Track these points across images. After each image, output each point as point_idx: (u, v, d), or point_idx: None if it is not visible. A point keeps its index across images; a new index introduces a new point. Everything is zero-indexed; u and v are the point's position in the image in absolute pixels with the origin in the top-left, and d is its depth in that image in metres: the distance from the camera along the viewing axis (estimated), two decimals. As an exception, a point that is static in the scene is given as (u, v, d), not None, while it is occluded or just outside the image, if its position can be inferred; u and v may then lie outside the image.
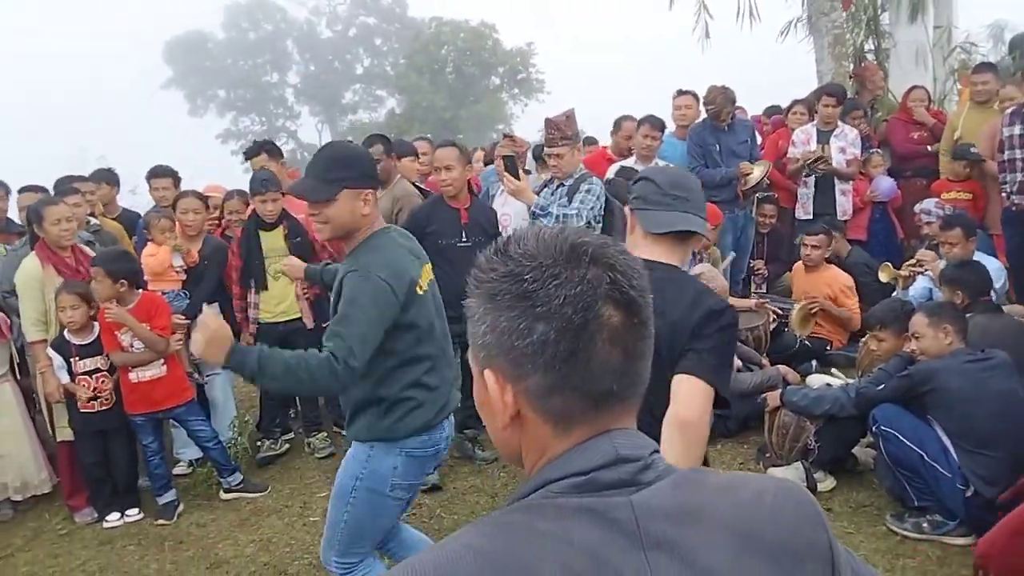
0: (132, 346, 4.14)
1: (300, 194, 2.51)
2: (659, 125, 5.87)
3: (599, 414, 0.84)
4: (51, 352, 4.12)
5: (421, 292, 2.48)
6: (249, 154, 5.28)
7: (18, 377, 4.41)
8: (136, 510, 4.24)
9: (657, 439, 1.87)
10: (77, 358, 4.11)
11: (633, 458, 0.82)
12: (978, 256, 5.01)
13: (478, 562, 0.76)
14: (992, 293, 4.48)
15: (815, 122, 6.55)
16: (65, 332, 4.14)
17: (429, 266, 2.62)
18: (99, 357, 4.15)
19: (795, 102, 7.18)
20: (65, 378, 4.11)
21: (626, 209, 2.24)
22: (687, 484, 0.84)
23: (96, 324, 4.18)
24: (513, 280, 0.81)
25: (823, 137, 6.44)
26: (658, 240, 2.10)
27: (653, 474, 0.83)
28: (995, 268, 4.98)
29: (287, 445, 5.02)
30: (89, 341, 4.15)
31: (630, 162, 5.87)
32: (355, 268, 2.38)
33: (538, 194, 4.59)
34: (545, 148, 4.65)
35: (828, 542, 0.86)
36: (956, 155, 6.11)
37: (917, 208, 5.95)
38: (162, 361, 4.20)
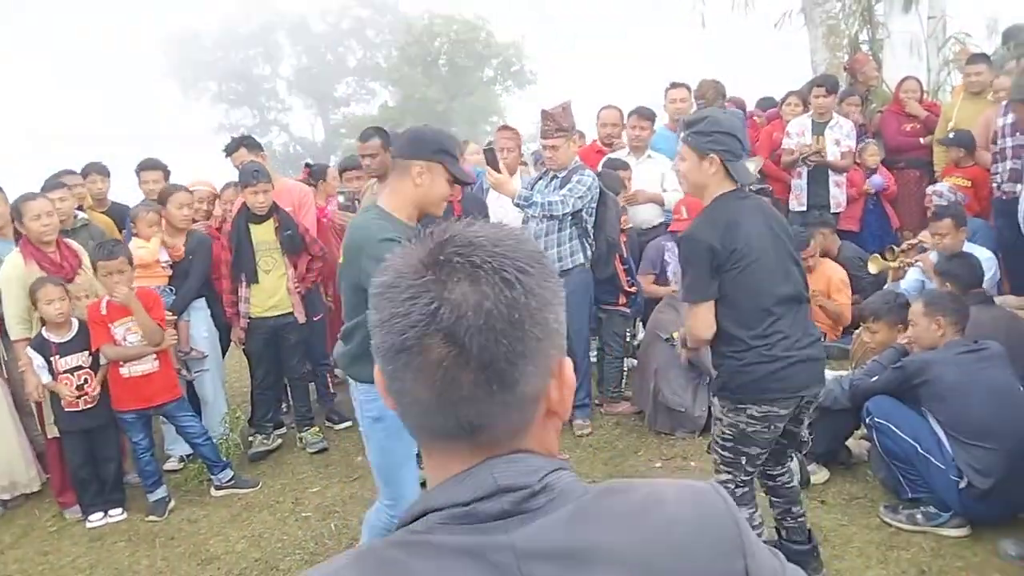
0: (125, 340, 4.09)
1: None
2: (647, 115, 5.84)
3: (455, 445, 0.78)
4: (30, 352, 4.06)
5: None
6: (228, 151, 5.23)
7: (6, 375, 4.37)
8: (119, 510, 4.20)
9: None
10: (58, 356, 4.06)
11: (516, 487, 0.75)
12: (970, 247, 5.01)
13: None
14: (985, 284, 4.47)
15: (810, 113, 6.53)
16: (44, 331, 4.09)
17: None
18: (81, 354, 4.10)
19: (789, 93, 7.16)
20: (46, 378, 4.06)
21: (714, 156, 2.67)
22: (586, 514, 0.76)
23: (75, 321, 4.13)
24: (375, 295, 0.78)
25: (818, 128, 6.42)
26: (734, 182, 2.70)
27: (545, 499, 0.75)
28: (986, 259, 4.97)
29: (279, 440, 5.00)
30: (68, 338, 4.10)
31: (622, 154, 5.83)
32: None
33: (532, 187, 4.56)
34: (540, 139, 4.63)
35: (744, 570, 0.78)
36: (941, 143, 6.17)
37: (929, 190, 5.96)
38: (154, 356, 4.16)
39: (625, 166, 5.51)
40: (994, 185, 5.47)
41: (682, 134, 2.83)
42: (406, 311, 0.74)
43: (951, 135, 6.06)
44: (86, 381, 4.10)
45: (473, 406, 0.75)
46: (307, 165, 6.47)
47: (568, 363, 0.82)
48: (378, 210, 2.70)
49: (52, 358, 4.06)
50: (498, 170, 4.24)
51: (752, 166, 6.08)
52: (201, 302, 4.84)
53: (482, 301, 0.73)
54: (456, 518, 0.75)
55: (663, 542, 0.76)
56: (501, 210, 5.00)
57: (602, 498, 0.78)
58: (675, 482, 0.84)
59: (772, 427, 2.73)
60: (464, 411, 0.75)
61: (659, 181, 5.76)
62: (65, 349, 4.08)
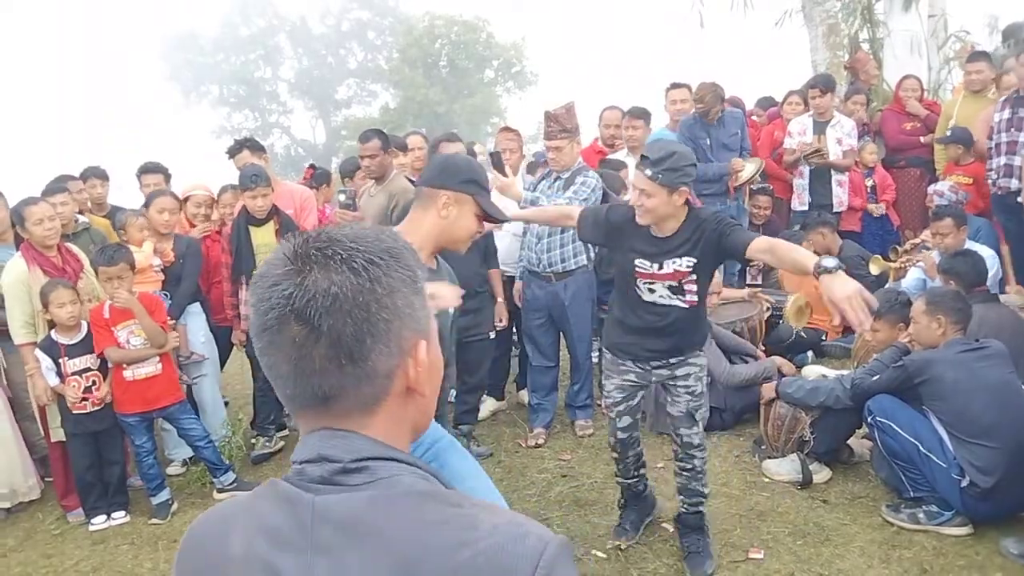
0: (128, 343, 4.10)
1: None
2: (639, 114, 5.83)
3: (310, 413, 0.89)
4: (39, 354, 4.08)
5: None
6: (231, 152, 5.23)
7: (4, 382, 4.38)
8: (123, 513, 4.20)
9: None
10: (66, 358, 4.07)
11: (332, 458, 0.86)
12: (971, 245, 5.02)
13: (216, 517, 0.93)
14: (988, 281, 4.47)
15: (810, 113, 6.53)
16: (53, 333, 4.11)
17: None
18: (89, 356, 4.11)
19: (791, 93, 7.16)
20: (54, 380, 4.07)
21: (684, 188, 2.88)
22: (389, 502, 0.83)
23: (84, 323, 4.14)
24: (252, 284, 0.90)
25: (819, 128, 6.42)
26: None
27: (362, 479, 0.85)
28: (988, 256, 4.98)
29: (281, 442, 5.00)
30: (78, 340, 4.12)
31: (621, 154, 5.83)
32: None
33: (535, 187, 4.57)
34: (544, 140, 4.64)
35: None
36: (939, 141, 6.20)
37: (930, 189, 5.98)
38: (157, 359, 4.17)
39: (622, 166, 5.51)
40: (989, 181, 5.48)
41: (647, 171, 2.87)
42: (268, 295, 0.86)
43: (949, 132, 6.07)
44: (94, 383, 4.11)
45: (325, 378, 0.86)
46: (312, 166, 6.49)
47: (424, 345, 0.91)
48: None
49: (61, 360, 4.07)
50: (504, 173, 4.24)
51: (752, 167, 6.09)
52: (197, 307, 4.83)
53: (330, 287, 0.84)
54: (295, 473, 0.88)
55: (441, 556, 0.79)
56: (505, 211, 4.99)
57: (416, 497, 0.84)
58: (514, 518, 0.85)
59: None
60: (317, 382, 0.86)
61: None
62: (73, 351, 4.09)
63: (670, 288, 3.07)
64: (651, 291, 3.10)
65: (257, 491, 0.91)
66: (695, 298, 3.09)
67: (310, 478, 0.86)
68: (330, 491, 0.84)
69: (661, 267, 3.04)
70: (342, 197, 5.30)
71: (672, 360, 3.21)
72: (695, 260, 3.01)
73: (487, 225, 4.70)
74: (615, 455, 3.46)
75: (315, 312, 0.83)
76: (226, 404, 5.28)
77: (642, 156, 2.96)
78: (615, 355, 3.31)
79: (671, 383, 3.26)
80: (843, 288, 2.42)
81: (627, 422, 3.36)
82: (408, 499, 0.84)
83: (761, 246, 2.84)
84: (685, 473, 3.34)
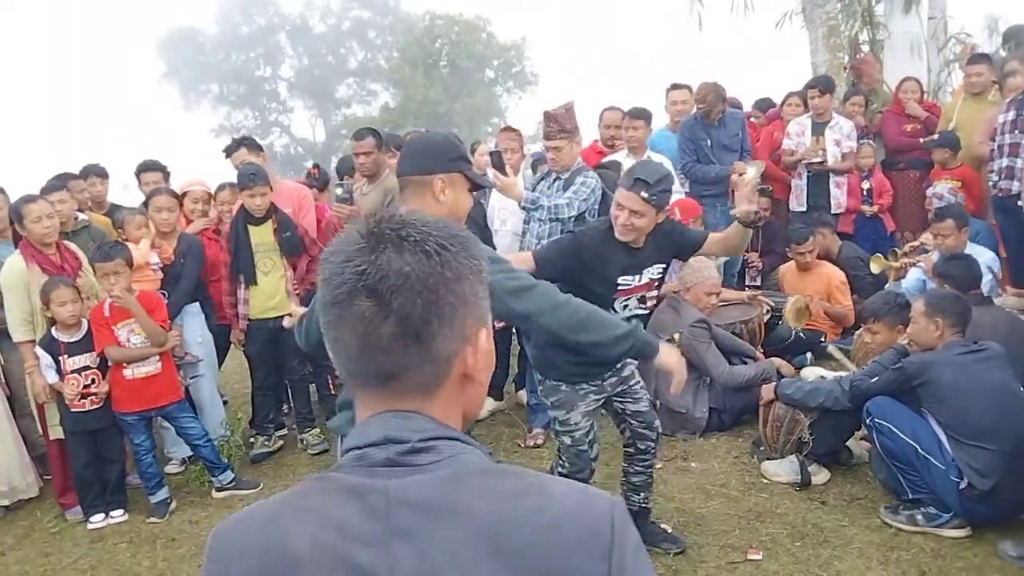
0: (129, 341, 4.10)
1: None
2: (639, 115, 5.83)
3: (371, 393, 0.91)
4: (39, 351, 4.08)
5: None
6: (228, 151, 5.22)
7: (3, 380, 4.37)
8: (121, 511, 4.20)
9: None
10: (66, 356, 4.07)
11: (399, 440, 0.87)
12: (971, 248, 5.02)
13: (260, 520, 0.89)
14: (984, 285, 4.48)
15: (809, 114, 6.53)
16: (53, 330, 4.10)
17: None
18: (88, 354, 4.10)
19: (790, 94, 7.16)
20: (53, 377, 4.06)
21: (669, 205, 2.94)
22: (463, 480, 0.85)
23: (84, 321, 4.14)
24: (322, 259, 0.92)
25: (818, 129, 6.42)
26: None
27: (430, 459, 0.86)
28: (988, 259, 4.98)
29: (280, 442, 5.00)
30: (78, 338, 4.11)
31: (621, 155, 5.83)
32: None
33: (535, 188, 4.57)
34: (543, 141, 4.64)
35: (605, 574, 0.82)
36: (925, 145, 6.24)
37: (929, 192, 5.98)
38: (156, 358, 4.17)
39: (620, 167, 5.50)
40: (990, 183, 5.48)
41: (643, 193, 3.01)
42: (340, 271, 0.88)
43: (935, 137, 6.10)
44: (93, 381, 4.10)
45: (389, 356, 0.87)
46: (316, 165, 6.50)
47: (485, 333, 0.93)
48: None
49: (60, 357, 4.06)
50: (505, 173, 4.25)
51: (753, 170, 6.07)
52: (195, 307, 4.82)
53: (403, 266, 0.86)
54: (353, 459, 0.88)
55: (524, 524, 0.82)
56: (505, 211, 5.00)
57: (487, 474, 0.87)
58: (576, 485, 0.90)
59: None
60: (381, 359, 0.87)
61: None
62: (73, 349, 4.08)
63: (639, 298, 3.19)
64: (624, 307, 3.18)
65: (303, 488, 0.90)
66: (655, 302, 3.29)
67: (373, 462, 0.86)
68: (400, 474, 0.85)
69: (640, 278, 3.16)
70: (339, 191, 5.31)
71: (618, 365, 3.25)
72: (664, 265, 3.23)
73: (494, 223, 4.66)
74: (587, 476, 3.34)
75: (387, 289, 0.85)
76: (225, 403, 5.28)
77: (637, 179, 3.04)
78: (572, 384, 3.19)
79: (623, 387, 3.28)
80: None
81: (597, 449, 3.34)
82: (479, 475, 0.86)
83: (715, 238, 3.26)
84: (647, 466, 3.39)
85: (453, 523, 0.82)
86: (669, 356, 2.59)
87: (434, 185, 2.25)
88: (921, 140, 6.41)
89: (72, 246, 4.44)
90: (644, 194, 3.00)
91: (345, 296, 0.86)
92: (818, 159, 6.29)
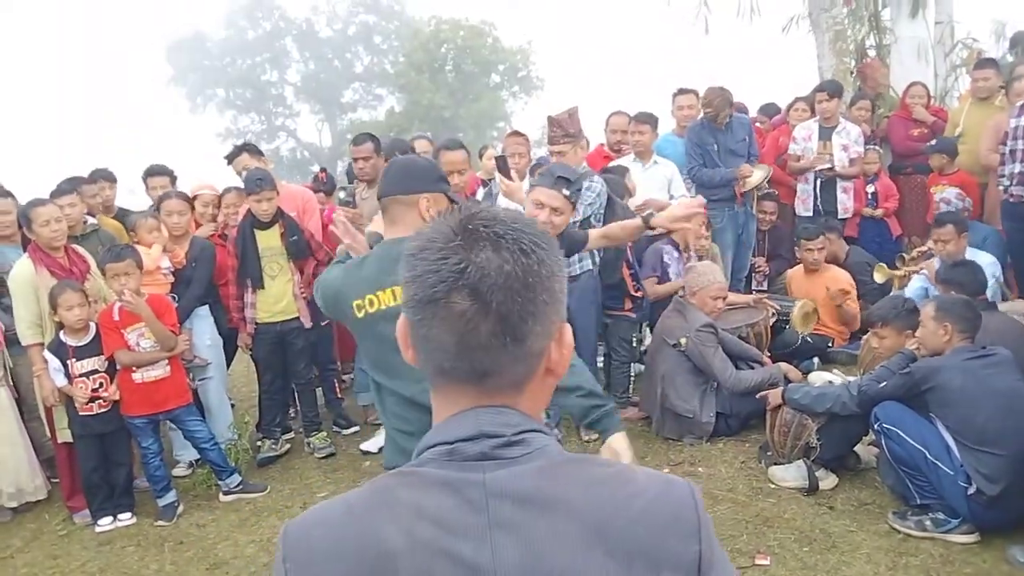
0: (138, 345, 4.11)
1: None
2: (645, 120, 5.83)
3: (463, 389, 0.90)
4: (47, 355, 4.09)
5: (360, 316, 2.28)
6: (230, 158, 5.26)
7: (11, 383, 4.39)
8: (128, 514, 4.21)
9: None
10: (75, 359, 4.08)
11: (495, 434, 0.87)
12: (971, 252, 5.01)
13: (343, 519, 0.88)
14: (988, 291, 4.47)
15: (816, 118, 6.53)
16: (61, 334, 4.12)
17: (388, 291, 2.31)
18: (97, 358, 4.12)
19: (797, 99, 7.16)
20: (61, 381, 4.08)
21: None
22: (555, 470, 0.87)
23: (92, 325, 4.16)
24: (409, 256, 0.90)
25: (825, 134, 6.42)
26: None
27: (521, 451, 0.87)
28: (988, 264, 4.97)
29: (287, 445, 5.00)
30: (86, 342, 4.13)
31: (627, 160, 5.84)
32: None
33: None
34: (548, 146, 4.64)
35: (697, 555, 0.87)
36: (924, 151, 6.23)
37: (937, 197, 5.96)
38: (166, 361, 4.18)
39: (625, 171, 5.51)
40: (1001, 188, 5.45)
41: (565, 191, 3.14)
42: (437, 268, 0.86)
43: (933, 143, 6.09)
44: (101, 385, 4.12)
45: (488, 354, 0.87)
46: (323, 169, 6.53)
47: (567, 328, 0.94)
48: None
49: (69, 361, 4.08)
50: (510, 178, 4.25)
51: (761, 174, 6.08)
52: (204, 310, 4.86)
53: (503, 264, 0.85)
54: (443, 454, 0.87)
55: (621, 511, 0.85)
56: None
57: (574, 463, 0.89)
58: (652, 471, 0.93)
59: None
60: (479, 357, 0.87)
61: (666, 187, 5.76)
62: (82, 352, 4.10)
63: None
64: None
65: (383, 485, 0.89)
66: None
67: (466, 456, 0.86)
68: (495, 467, 0.85)
69: None
70: (342, 194, 5.35)
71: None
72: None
73: None
74: None
75: (488, 288, 0.84)
76: (232, 407, 5.29)
77: (559, 177, 3.16)
78: None
79: None
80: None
81: None
82: (569, 465, 0.88)
83: (596, 234, 3.41)
84: None
85: (554, 513, 0.83)
86: (621, 443, 2.28)
87: (420, 204, 2.35)
88: (922, 146, 6.42)
89: (80, 250, 4.46)
90: (566, 191, 3.11)
91: (443, 294, 0.85)
92: (826, 165, 6.30)
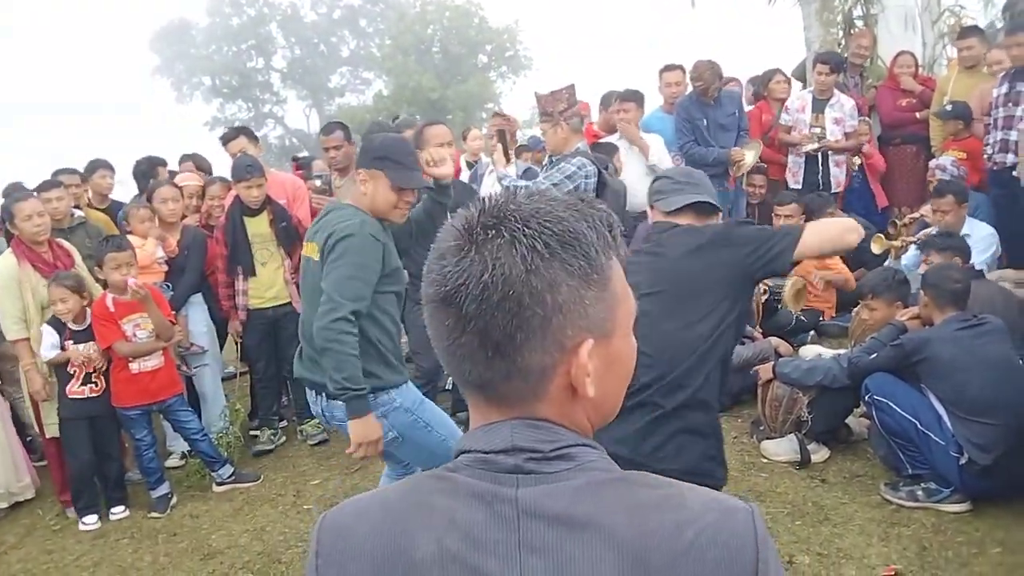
0: (135, 336, 4.09)
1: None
2: (630, 97, 5.79)
3: (478, 396, 0.85)
4: (45, 328, 4.04)
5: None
6: (226, 139, 5.18)
7: None
8: (122, 507, 4.19)
9: None
10: (71, 342, 4.05)
11: (529, 448, 0.80)
12: (971, 223, 5.01)
13: (380, 519, 0.83)
14: (984, 263, 4.48)
15: (810, 89, 6.48)
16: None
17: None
18: (92, 343, 4.07)
19: (775, 71, 7.06)
20: (53, 353, 4.01)
21: (649, 211, 2.66)
22: (597, 490, 0.79)
23: (88, 311, 4.11)
24: (434, 252, 0.84)
25: (818, 106, 6.38)
26: (678, 216, 2.49)
27: (562, 466, 0.80)
28: (987, 235, 4.97)
29: (284, 437, 4.98)
30: (84, 327, 4.09)
31: (614, 138, 5.80)
32: None
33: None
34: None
35: None
36: (939, 116, 6.13)
37: (932, 164, 5.93)
38: (160, 351, 4.17)
39: (614, 149, 5.47)
40: (985, 156, 5.46)
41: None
42: (430, 268, 0.82)
43: (948, 107, 6.01)
44: (95, 371, 4.10)
45: (473, 366, 0.81)
46: (294, 158, 6.48)
47: (589, 344, 0.82)
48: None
49: (66, 343, 4.04)
50: (507, 153, 4.27)
51: (752, 155, 6.04)
52: (198, 297, 4.86)
53: (483, 273, 0.77)
54: (478, 462, 0.82)
55: (667, 541, 0.76)
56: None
57: (620, 483, 0.80)
58: (712, 495, 0.82)
59: None
60: (466, 368, 0.82)
61: (655, 161, 5.72)
62: (79, 337, 4.07)
63: None
64: None
65: (420, 486, 0.85)
66: None
67: (500, 468, 0.80)
68: (529, 482, 0.79)
69: None
70: (318, 182, 5.31)
71: None
72: None
73: None
74: None
75: (464, 298, 0.78)
76: (225, 396, 5.27)
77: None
78: None
79: None
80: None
81: None
82: (614, 485, 0.80)
83: None
84: None
85: (591, 538, 0.76)
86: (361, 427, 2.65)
87: (357, 177, 2.69)
88: (932, 111, 6.34)
89: (65, 243, 4.42)
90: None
91: (432, 300, 0.81)
92: (813, 146, 6.22)
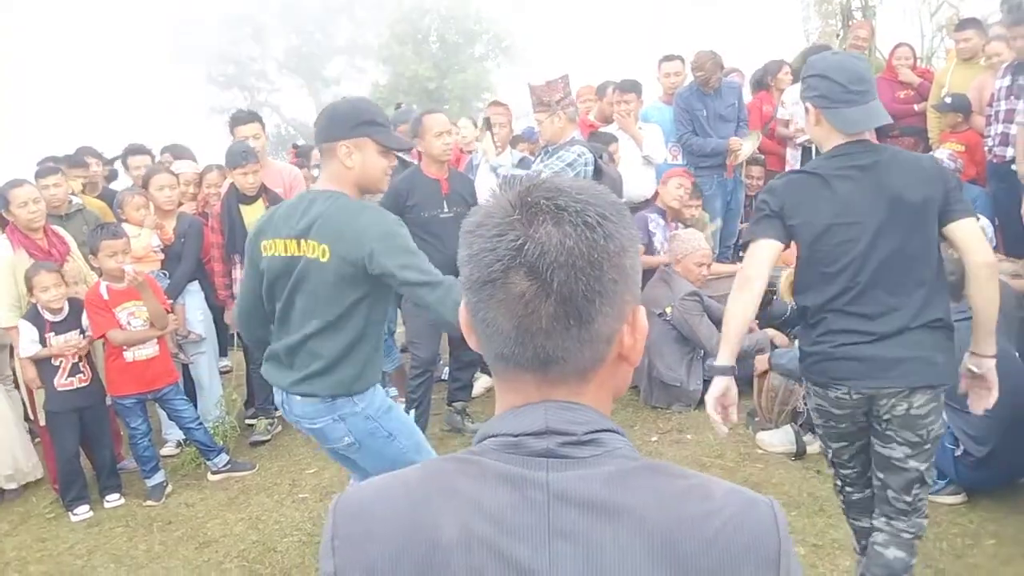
0: (129, 324, 4.07)
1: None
2: (627, 88, 5.77)
3: (526, 376, 0.83)
4: (23, 323, 4.00)
5: (266, 255, 2.50)
6: (239, 121, 4.95)
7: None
8: (117, 495, 4.18)
9: (924, 302, 2.41)
10: (52, 334, 4.03)
11: (563, 431, 0.80)
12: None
13: (402, 500, 0.82)
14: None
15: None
16: (39, 306, 4.04)
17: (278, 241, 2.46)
18: (73, 333, 4.07)
19: (782, 62, 7.04)
20: (34, 349, 3.99)
21: (808, 105, 2.37)
22: (626, 477, 0.79)
23: (65, 302, 4.08)
24: (466, 232, 0.83)
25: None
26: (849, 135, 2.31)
27: (591, 452, 0.80)
28: (985, 227, 4.96)
29: (279, 427, 4.97)
30: (62, 318, 4.07)
31: (612, 128, 5.78)
32: None
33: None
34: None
35: None
36: (937, 109, 6.11)
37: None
38: (155, 340, 4.16)
39: (612, 139, 5.46)
40: (986, 149, 5.45)
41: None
42: (493, 246, 0.79)
43: (948, 100, 5.99)
44: (80, 360, 4.08)
45: (550, 339, 0.79)
46: (294, 146, 6.43)
47: (641, 311, 0.86)
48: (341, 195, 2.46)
49: (47, 335, 4.02)
50: (494, 143, 4.24)
51: (750, 145, 6.03)
52: (195, 285, 4.83)
53: (564, 240, 0.77)
54: (506, 446, 0.81)
55: (695, 530, 0.77)
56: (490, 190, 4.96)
57: (647, 470, 0.81)
58: (732, 486, 0.84)
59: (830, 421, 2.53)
60: (541, 343, 0.80)
61: (650, 153, 5.71)
62: (60, 328, 4.05)
63: None
64: None
65: (444, 468, 0.84)
66: None
67: (530, 451, 0.80)
68: (559, 466, 0.79)
69: None
70: (315, 171, 5.27)
71: None
72: None
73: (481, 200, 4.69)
74: None
75: (548, 266, 0.77)
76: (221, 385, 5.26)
77: None
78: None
79: None
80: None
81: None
82: (642, 472, 0.80)
83: None
84: None
85: (621, 524, 0.77)
86: None
87: (338, 151, 2.39)
88: (929, 105, 6.33)
89: (60, 231, 4.40)
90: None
91: (500, 274, 0.78)
92: (807, 138, 6.22)
